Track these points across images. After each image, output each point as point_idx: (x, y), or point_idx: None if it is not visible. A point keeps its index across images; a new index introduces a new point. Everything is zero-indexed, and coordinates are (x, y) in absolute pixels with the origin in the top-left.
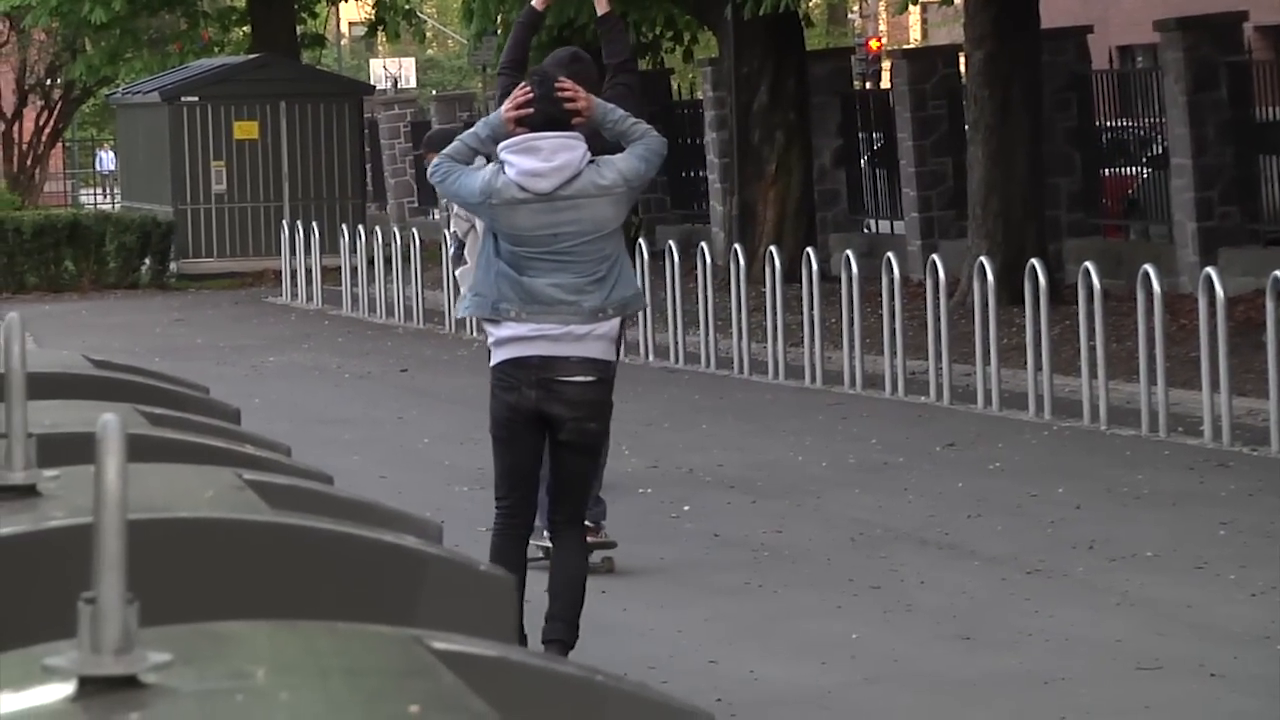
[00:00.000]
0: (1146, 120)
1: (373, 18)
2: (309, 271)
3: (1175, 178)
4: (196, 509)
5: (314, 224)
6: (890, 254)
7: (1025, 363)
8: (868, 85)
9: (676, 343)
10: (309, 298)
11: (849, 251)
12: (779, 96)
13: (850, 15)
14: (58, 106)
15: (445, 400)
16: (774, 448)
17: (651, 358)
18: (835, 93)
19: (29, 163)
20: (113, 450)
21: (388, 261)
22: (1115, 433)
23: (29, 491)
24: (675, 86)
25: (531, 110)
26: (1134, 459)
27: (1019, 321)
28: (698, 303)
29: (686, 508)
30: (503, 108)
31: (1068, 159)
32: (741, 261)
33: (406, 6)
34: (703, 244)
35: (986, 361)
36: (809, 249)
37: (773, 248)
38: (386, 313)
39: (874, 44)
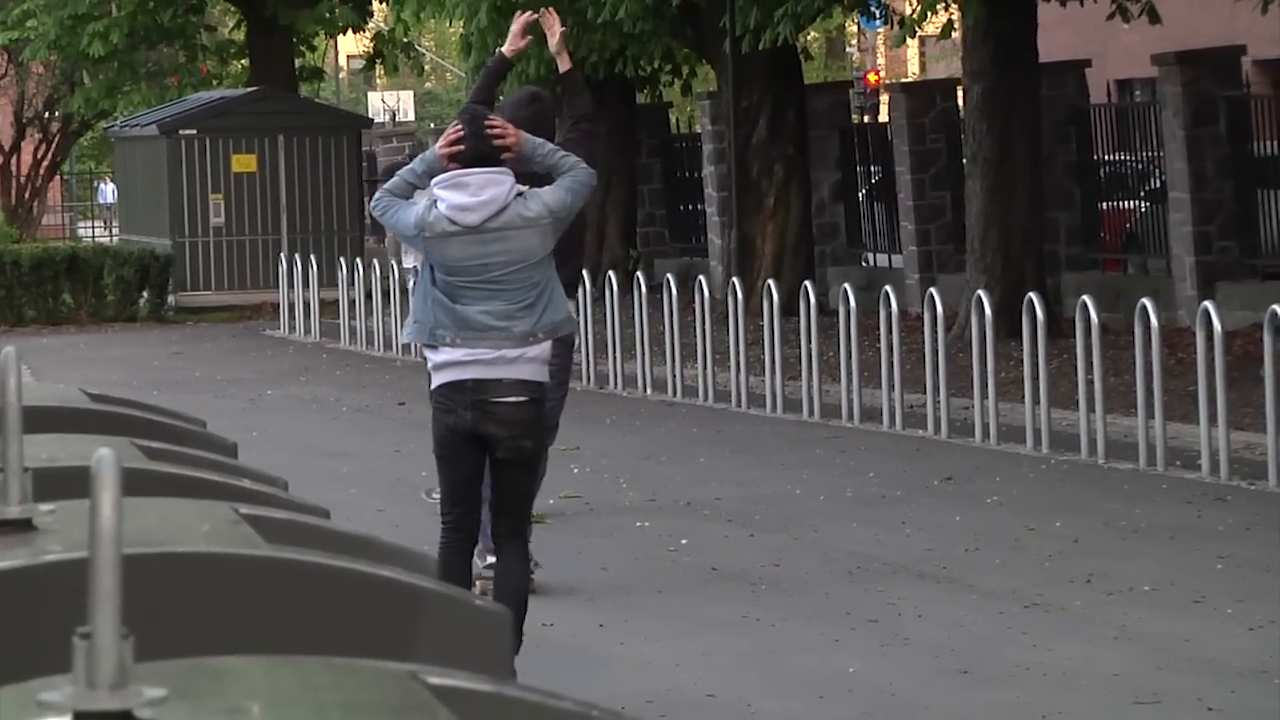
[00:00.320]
0: (1145, 154)
1: (371, 51)
2: (307, 304)
3: (1173, 212)
4: (192, 543)
5: (312, 257)
6: (888, 287)
7: (1023, 396)
8: (866, 119)
9: (674, 376)
10: (307, 331)
11: (847, 285)
12: (778, 130)
13: (848, 49)
14: (56, 139)
15: None
16: (772, 481)
17: (649, 391)
18: (834, 126)
19: (27, 195)
20: (108, 484)
21: (385, 294)
22: (1113, 466)
23: (25, 525)
24: (674, 120)
25: (462, 147)
26: (1132, 493)
27: (1017, 355)
28: (696, 336)
29: (684, 541)
30: (436, 145)
31: (1066, 193)
32: (740, 295)
33: (405, 40)
34: (701, 277)
35: (984, 395)
36: (807, 282)
37: (771, 281)
38: (384, 346)
39: (872, 77)
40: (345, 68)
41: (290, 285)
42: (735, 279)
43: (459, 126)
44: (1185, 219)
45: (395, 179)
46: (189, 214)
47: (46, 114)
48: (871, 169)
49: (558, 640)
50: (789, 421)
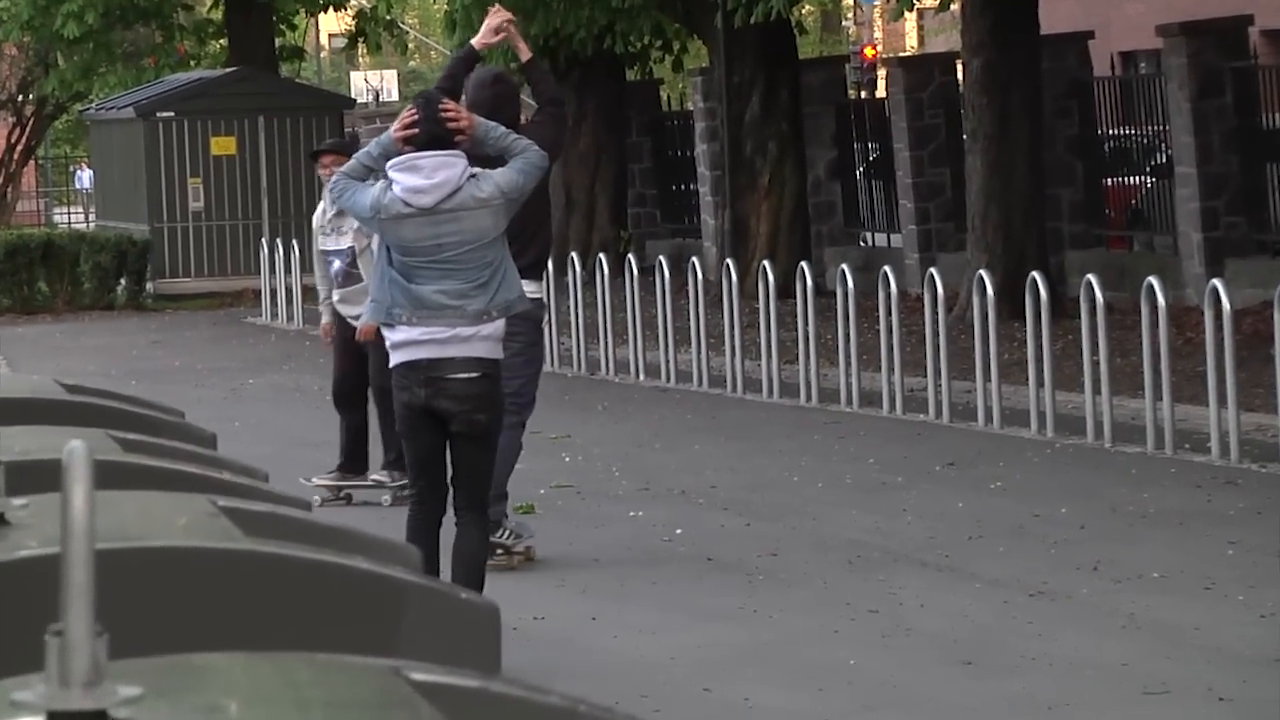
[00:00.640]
0: (1150, 128)
1: (353, 29)
2: (289, 291)
3: (1180, 187)
4: (169, 537)
5: (294, 242)
6: (887, 268)
7: (1027, 379)
8: (863, 94)
9: (667, 361)
10: (289, 318)
11: (845, 265)
12: (772, 107)
13: (845, 22)
14: (30, 123)
15: None
16: (769, 468)
17: (643, 377)
18: (829, 102)
19: (1, 181)
20: (79, 477)
21: None
22: (1120, 450)
23: None
24: (665, 97)
25: (417, 131)
26: (1139, 477)
27: (1020, 336)
28: (689, 320)
29: (679, 530)
30: (392, 128)
31: (1069, 168)
32: (734, 277)
33: (388, 17)
34: (694, 259)
35: (987, 378)
36: (804, 263)
37: (766, 262)
38: None
39: (869, 52)
40: (326, 47)
41: (272, 271)
42: (729, 260)
43: (414, 110)
44: (1192, 194)
45: (352, 162)
46: (167, 199)
47: (20, 97)
48: (869, 146)
49: (549, 633)
50: (786, 407)
